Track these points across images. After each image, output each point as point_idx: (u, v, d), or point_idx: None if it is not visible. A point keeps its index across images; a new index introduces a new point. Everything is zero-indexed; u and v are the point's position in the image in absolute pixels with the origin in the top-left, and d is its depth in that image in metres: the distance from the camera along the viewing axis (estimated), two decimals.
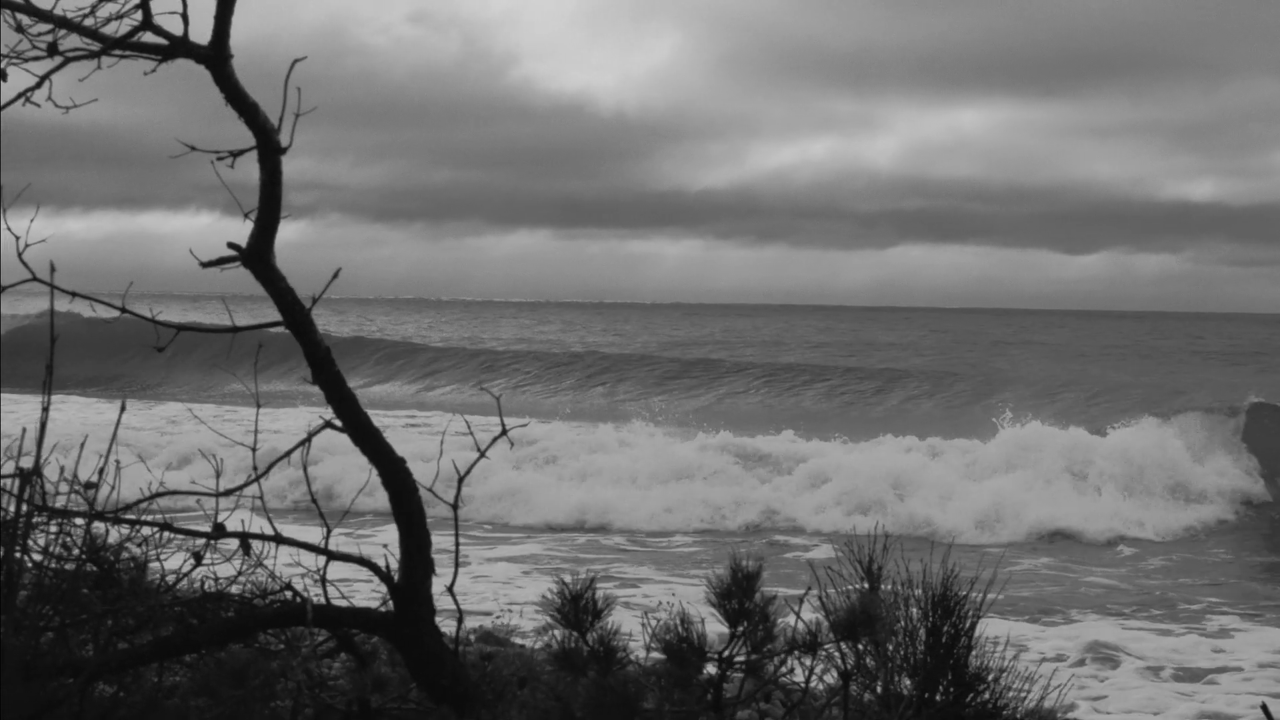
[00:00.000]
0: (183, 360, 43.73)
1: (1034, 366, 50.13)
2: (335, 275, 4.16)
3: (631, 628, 4.19)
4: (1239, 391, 29.83)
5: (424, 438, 26.67)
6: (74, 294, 3.95)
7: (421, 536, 4.23)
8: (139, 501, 4.12)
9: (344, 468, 19.04)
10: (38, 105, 3.92)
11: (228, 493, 4.14)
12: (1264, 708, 4.60)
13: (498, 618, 10.81)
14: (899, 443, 25.20)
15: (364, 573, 4.23)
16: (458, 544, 4.30)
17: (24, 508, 3.67)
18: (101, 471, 3.85)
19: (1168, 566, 18.07)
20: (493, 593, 14.70)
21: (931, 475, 22.60)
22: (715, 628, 4.20)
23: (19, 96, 3.89)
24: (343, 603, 4.26)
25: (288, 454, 4.23)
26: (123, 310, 4.08)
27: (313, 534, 4.31)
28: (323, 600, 4.20)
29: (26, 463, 3.67)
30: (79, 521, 3.88)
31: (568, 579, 4.22)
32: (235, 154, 4.02)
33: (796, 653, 4.20)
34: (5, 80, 3.84)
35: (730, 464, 23.75)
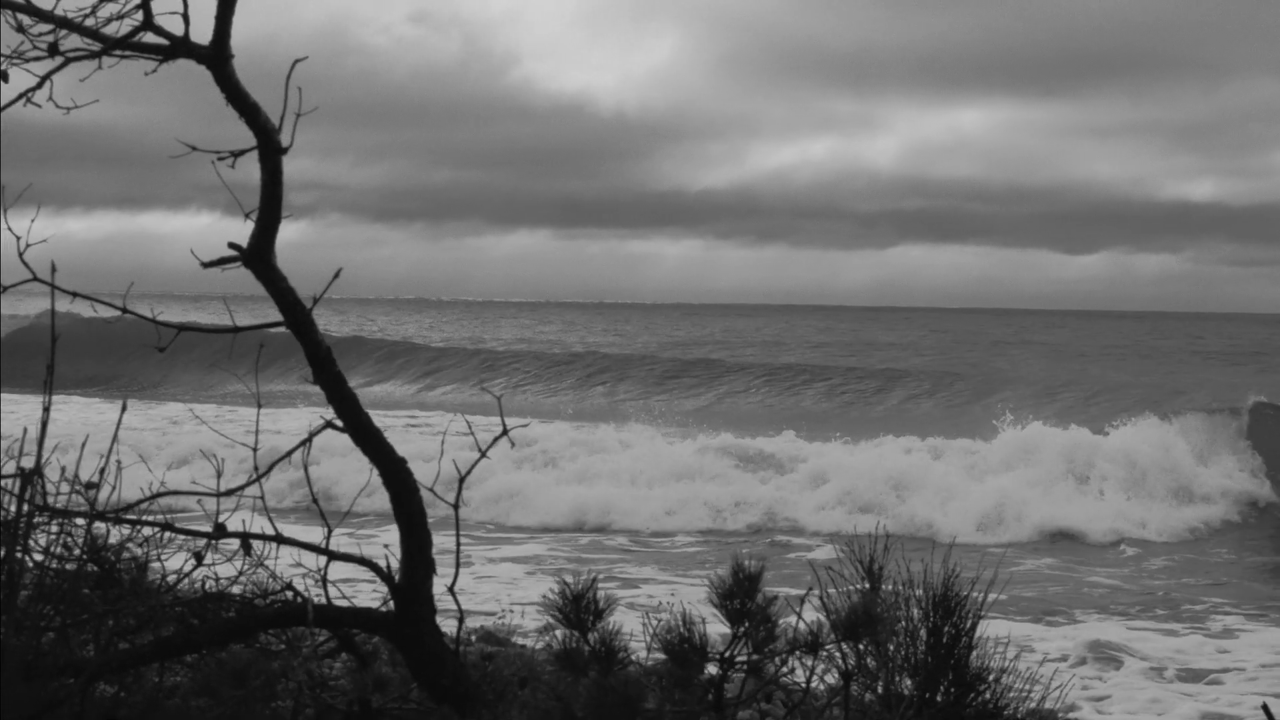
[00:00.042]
0: (183, 360, 43.73)
1: (1034, 366, 50.15)
2: (336, 275, 4.15)
3: (633, 628, 4.19)
4: (1239, 391, 29.81)
5: (424, 438, 26.67)
6: (75, 294, 3.95)
7: (422, 536, 4.23)
8: (140, 501, 4.12)
9: (344, 468, 19.04)
10: (38, 105, 3.92)
11: (229, 493, 4.14)
12: (1264, 708, 4.60)
13: (499, 618, 10.81)
14: (900, 443, 25.19)
15: (365, 573, 4.23)
16: (459, 544, 4.30)
17: (25, 508, 3.66)
18: (102, 471, 3.85)
19: (1170, 567, 18.06)
20: (495, 593, 14.70)
21: (933, 476, 22.59)
22: (716, 628, 4.20)
23: (20, 97, 3.89)
24: (344, 603, 4.25)
25: (289, 454, 4.23)
26: (123, 310, 4.08)
27: (314, 534, 4.31)
28: (324, 600, 4.20)
29: (27, 463, 3.67)
30: (80, 521, 3.88)
31: (569, 579, 4.21)
32: (236, 154, 4.02)
33: (798, 653, 4.20)
34: (7, 81, 3.84)
35: (732, 464, 23.75)
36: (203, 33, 3.97)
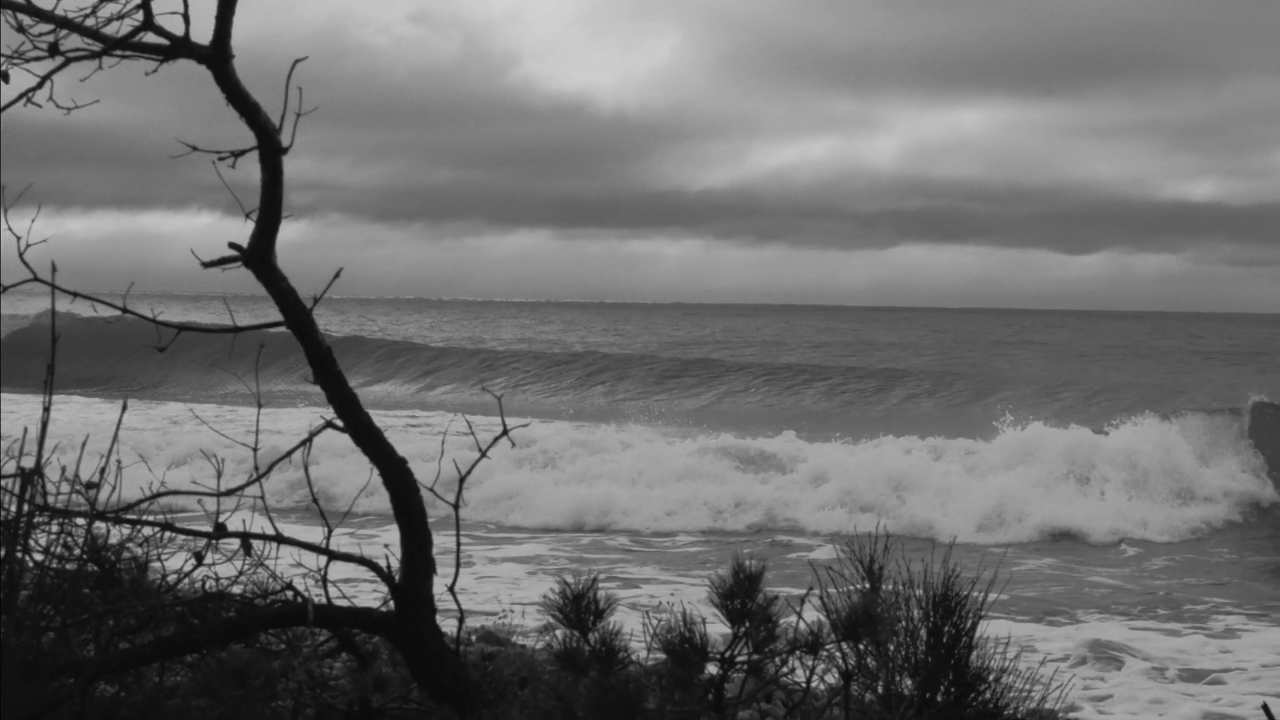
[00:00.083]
0: (183, 360, 43.74)
1: (1034, 366, 50.17)
2: (336, 275, 4.15)
3: (634, 628, 4.19)
4: (1239, 391, 29.82)
5: (424, 438, 26.67)
6: (75, 294, 3.95)
7: (423, 536, 4.23)
8: (140, 501, 4.12)
9: (344, 468, 19.04)
10: (39, 105, 3.92)
11: (229, 493, 4.14)
12: (1265, 708, 4.60)
13: (500, 618, 10.81)
14: (900, 443, 25.20)
15: (365, 573, 4.23)
16: (459, 544, 4.30)
17: (25, 507, 3.66)
18: (103, 471, 3.85)
19: (1171, 566, 18.06)
20: (496, 593, 14.70)
21: (933, 475, 22.60)
22: (717, 628, 4.20)
23: (20, 97, 3.89)
24: (344, 603, 4.25)
25: (289, 454, 4.23)
26: (124, 310, 4.08)
27: (314, 534, 4.31)
28: (324, 600, 4.20)
29: (28, 462, 3.67)
30: (80, 521, 3.88)
31: (570, 579, 4.22)
32: (236, 154, 4.02)
33: (798, 653, 4.20)
34: (8, 82, 3.84)
35: (732, 464, 23.76)
36: (203, 33, 3.97)
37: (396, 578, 4.21)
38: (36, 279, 3.86)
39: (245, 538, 4.16)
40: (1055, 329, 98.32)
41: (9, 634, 3.49)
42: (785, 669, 4.21)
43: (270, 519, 4.16)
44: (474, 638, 7.79)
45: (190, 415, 31.01)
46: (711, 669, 4.13)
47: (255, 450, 4.21)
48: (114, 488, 3.90)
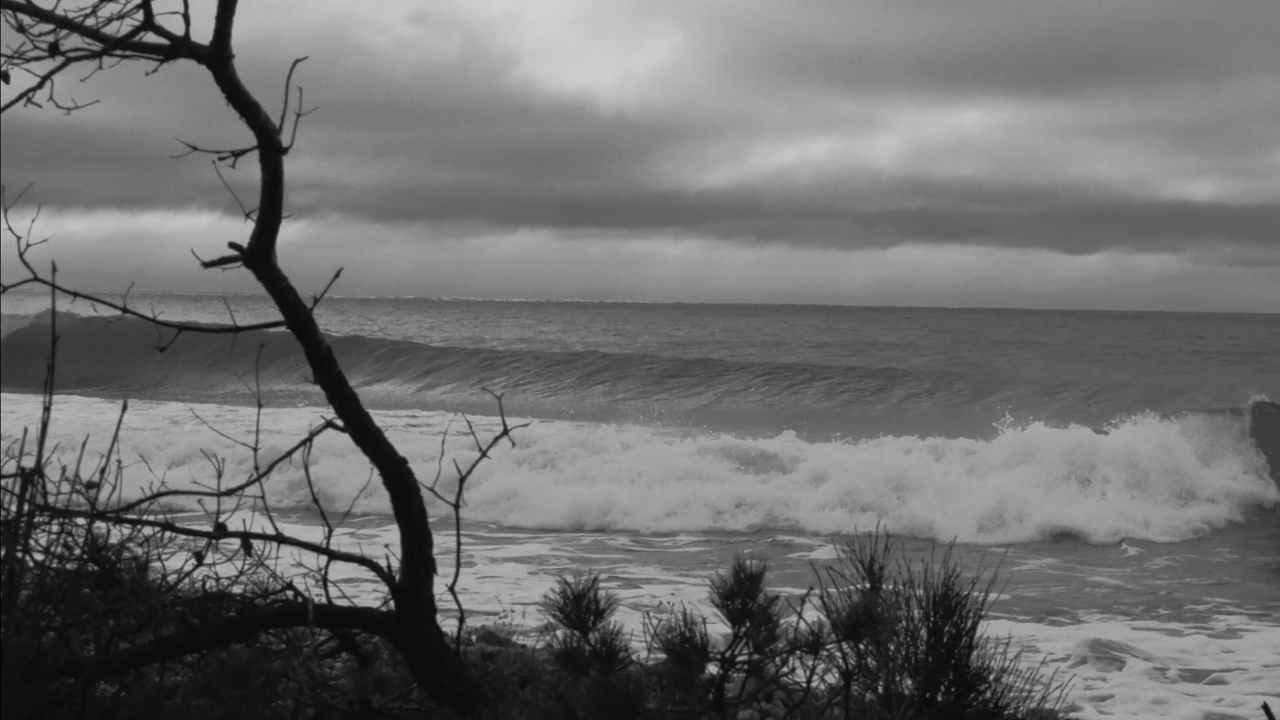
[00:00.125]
0: (184, 360, 43.74)
1: (1034, 366, 50.17)
2: (337, 275, 4.15)
3: (634, 628, 4.19)
4: (1239, 391, 29.81)
5: (425, 438, 26.67)
6: (75, 294, 3.94)
7: (423, 536, 4.23)
8: (140, 501, 4.12)
9: (343, 468, 19.03)
10: (39, 105, 3.92)
11: (229, 492, 4.14)
12: (1265, 707, 4.60)
13: (500, 618, 10.81)
14: (901, 443, 25.21)
15: (366, 573, 4.23)
16: (459, 543, 4.30)
17: (26, 507, 3.66)
18: (103, 471, 3.85)
19: (1173, 566, 18.05)
20: (497, 593, 14.70)
21: (934, 475, 22.60)
22: (717, 628, 4.20)
23: (21, 97, 3.89)
24: (344, 603, 4.25)
25: (289, 454, 4.23)
26: (124, 310, 4.08)
27: (314, 534, 4.31)
28: (324, 600, 4.20)
29: (28, 462, 3.67)
30: (80, 521, 3.87)
31: (570, 579, 4.21)
32: (236, 154, 4.02)
33: (799, 652, 4.20)
34: (8, 82, 3.84)
35: (733, 464, 23.77)
36: (203, 33, 3.97)
37: (397, 577, 4.21)
38: (37, 279, 3.86)
39: (245, 538, 4.16)
40: (1056, 329, 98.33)
41: (9, 634, 3.49)
42: (786, 669, 4.21)
43: (270, 519, 4.16)
44: (474, 637, 7.79)
45: (190, 415, 31.01)
46: (712, 669, 4.13)
47: (255, 450, 4.21)
48: (114, 487, 3.90)
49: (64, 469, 3.83)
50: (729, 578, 4.12)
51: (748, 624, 4.12)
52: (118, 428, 3.82)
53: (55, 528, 3.84)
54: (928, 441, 25.17)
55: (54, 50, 3.88)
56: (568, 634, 4.13)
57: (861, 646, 4.35)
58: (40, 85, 3.90)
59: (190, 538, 4.15)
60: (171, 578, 4.15)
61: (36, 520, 3.76)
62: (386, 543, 4.36)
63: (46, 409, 3.61)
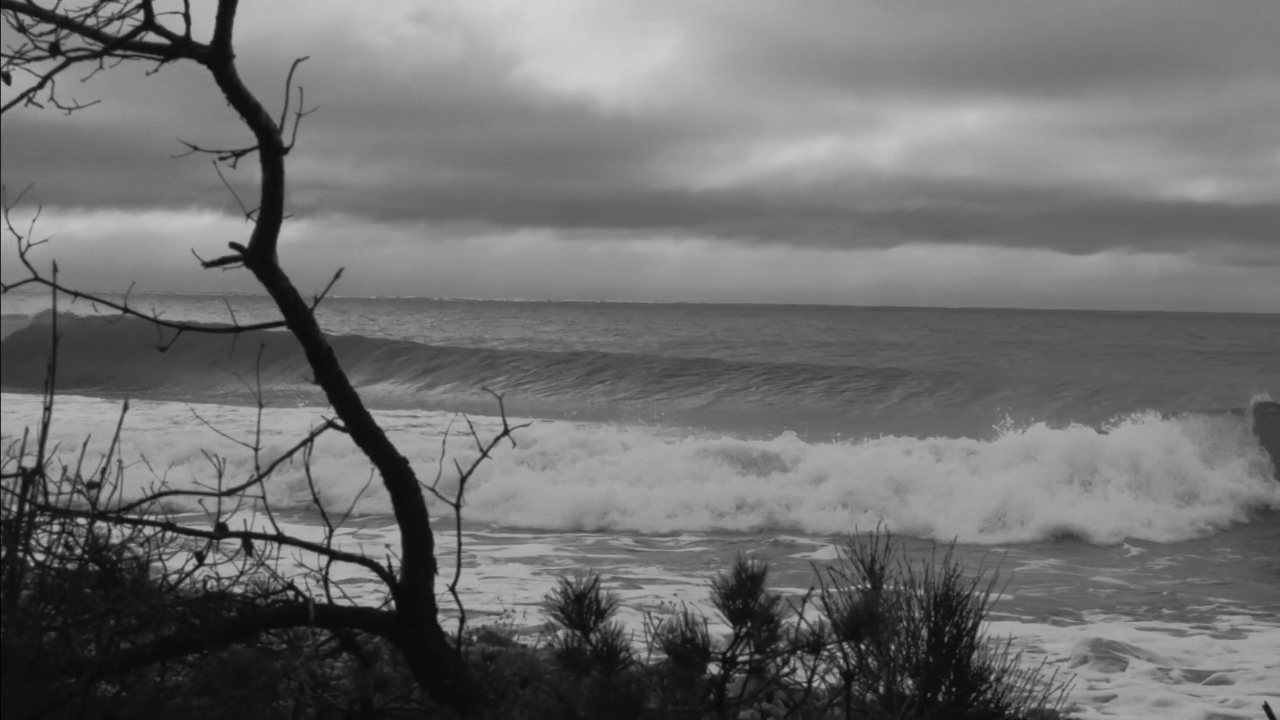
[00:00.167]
0: (184, 360, 43.73)
1: (1034, 366, 50.17)
2: (337, 275, 4.15)
3: (636, 628, 4.19)
4: (1240, 391, 29.81)
5: (425, 438, 26.67)
6: (76, 294, 3.94)
7: (424, 536, 4.22)
8: (141, 501, 4.12)
9: (343, 468, 19.03)
10: (40, 106, 3.91)
11: (230, 492, 4.13)
12: (1266, 707, 4.59)
13: (501, 618, 10.81)
14: (903, 443, 25.21)
15: (367, 573, 4.23)
16: (460, 543, 4.29)
17: (27, 507, 3.66)
18: (104, 471, 3.85)
19: (1175, 567, 18.04)
20: (500, 593, 14.70)
21: (935, 476, 22.59)
22: (718, 628, 4.19)
23: (21, 97, 3.89)
24: (345, 603, 4.25)
25: (290, 454, 4.23)
26: (125, 310, 4.08)
27: (315, 534, 4.31)
28: (325, 600, 4.20)
29: (29, 462, 3.67)
30: (81, 521, 3.87)
31: (571, 579, 4.21)
32: (237, 154, 4.02)
33: (800, 652, 4.20)
34: (9, 83, 3.84)
35: (735, 465, 23.79)
36: (204, 32, 3.97)
37: (398, 577, 4.21)
38: (38, 279, 3.86)
39: (246, 537, 4.16)
40: (1056, 329, 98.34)
41: (10, 634, 3.49)
42: (787, 669, 4.21)
43: (271, 519, 4.16)
44: (475, 638, 7.79)
45: (191, 415, 30.99)
46: (713, 669, 4.13)
47: (256, 450, 4.21)
48: (115, 487, 3.90)
49: (65, 469, 3.82)
50: (730, 578, 4.12)
51: (749, 624, 4.11)
52: (119, 427, 3.81)
53: (56, 528, 3.84)
54: (929, 442, 25.18)
55: (55, 50, 3.88)
56: (569, 634, 4.13)
57: (862, 646, 4.35)
58: (41, 85, 3.90)
59: (191, 538, 4.15)
60: (172, 578, 4.15)
61: (37, 520, 3.76)
62: (387, 543, 4.36)
63: (47, 409, 3.61)
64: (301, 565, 4.21)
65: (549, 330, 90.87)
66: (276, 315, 4.16)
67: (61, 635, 3.77)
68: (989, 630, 4.62)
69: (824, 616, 4.28)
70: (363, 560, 4.21)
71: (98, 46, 3.93)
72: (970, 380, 39.46)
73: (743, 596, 4.10)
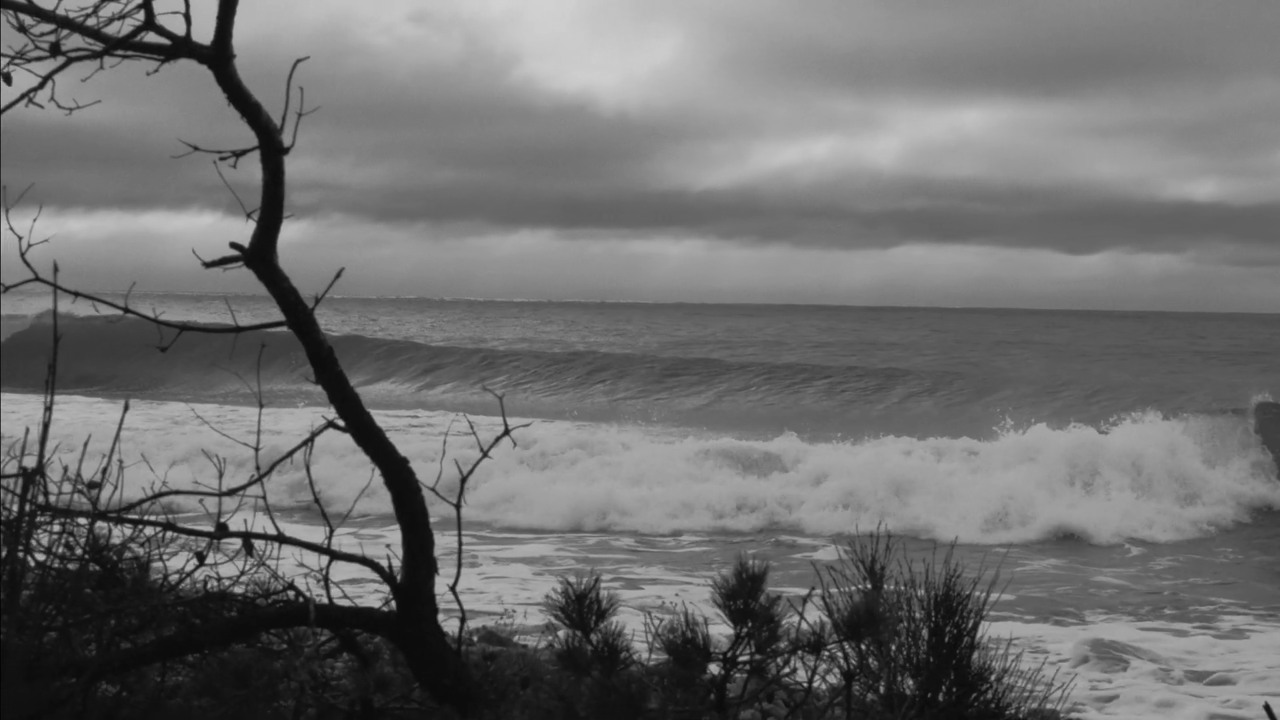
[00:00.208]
0: (185, 360, 43.70)
1: (1035, 366, 50.16)
2: (338, 275, 4.15)
3: (637, 628, 4.19)
4: (1240, 391, 29.79)
5: (426, 438, 26.67)
6: (77, 294, 3.94)
7: (424, 536, 4.22)
8: (142, 501, 4.12)
9: (342, 468, 19.02)
10: (40, 106, 3.92)
11: (230, 492, 4.13)
12: (1267, 707, 4.59)
13: (502, 618, 10.81)
14: (903, 443, 25.20)
15: (367, 573, 4.23)
16: (460, 543, 4.29)
17: (27, 507, 3.66)
18: (104, 471, 3.85)
19: (1177, 567, 18.02)
20: (501, 593, 14.69)
21: (936, 476, 22.58)
22: (719, 628, 4.19)
23: (22, 97, 3.89)
24: (346, 603, 4.25)
25: (290, 454, 4.23)
26: (125, 310, 4.08)
27: (316, 534, 4.31)
28: (326, 600, 4.19)
29: (29, 462, 3.67)
30: (82, 521, 3.87)
31: (572, 579, 4.21)
32: (238, 154, 4.02)
33: (800, 653, 4.20)
34: (9, 84, 3.84)
35: (736, 465, 23.79)
36: (204, 32, 3.97)
37: (398, 577, 4.21)
38: (38, 279, 3.86)
39: (247, 537, 4.16)
40: (1057, 329, 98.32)
41: (11, 634, 3.48)
42: (787, 669, 4.21)
43: (272, 519, 4.16)
44: (476, 638, 7.79)
45: (192, 415, 30.99)
46: (714, 669, 4.13)
47: (257, 450, 4.21)
48: (116, 487, 3.90)
49: (65, 469, 3.83)
50: (731, 578, 4.11)
51: (750, 624, 4.11)
52: (119, 427, 3.82)
53: (57, 528, 3.84)
54: (929, 442, 25.17)
55: (55, 50, 3.88)
56: (570, 634, 4.13)
57: (863, 647, 4.35)
58: (42, 85, 3.90)
59: (192, 538, 4.15)
60: (173, 578, 4.15)
61: (38, 520, 3.76)
62: (388, 543, 4.36)
63: (48, 409, 3.61)
64: (302, 565, 4.21)
65: (549, 330, 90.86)
66: (277, 315, 4.16)
67: (62, 635, 3.77)
68: (990, 630, 4.62)
69: (825, 617, 4.28)
70: (363, 560, 4.21)
71: (98, 46, 3.93)
72: (970, 380, 39.45)
73: (743, 596, 4.09)
